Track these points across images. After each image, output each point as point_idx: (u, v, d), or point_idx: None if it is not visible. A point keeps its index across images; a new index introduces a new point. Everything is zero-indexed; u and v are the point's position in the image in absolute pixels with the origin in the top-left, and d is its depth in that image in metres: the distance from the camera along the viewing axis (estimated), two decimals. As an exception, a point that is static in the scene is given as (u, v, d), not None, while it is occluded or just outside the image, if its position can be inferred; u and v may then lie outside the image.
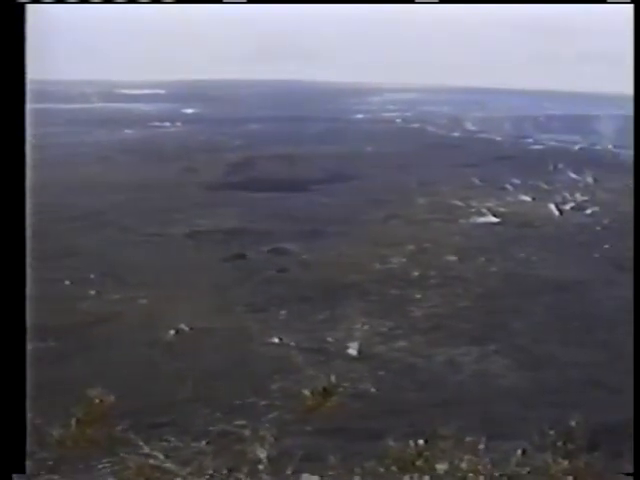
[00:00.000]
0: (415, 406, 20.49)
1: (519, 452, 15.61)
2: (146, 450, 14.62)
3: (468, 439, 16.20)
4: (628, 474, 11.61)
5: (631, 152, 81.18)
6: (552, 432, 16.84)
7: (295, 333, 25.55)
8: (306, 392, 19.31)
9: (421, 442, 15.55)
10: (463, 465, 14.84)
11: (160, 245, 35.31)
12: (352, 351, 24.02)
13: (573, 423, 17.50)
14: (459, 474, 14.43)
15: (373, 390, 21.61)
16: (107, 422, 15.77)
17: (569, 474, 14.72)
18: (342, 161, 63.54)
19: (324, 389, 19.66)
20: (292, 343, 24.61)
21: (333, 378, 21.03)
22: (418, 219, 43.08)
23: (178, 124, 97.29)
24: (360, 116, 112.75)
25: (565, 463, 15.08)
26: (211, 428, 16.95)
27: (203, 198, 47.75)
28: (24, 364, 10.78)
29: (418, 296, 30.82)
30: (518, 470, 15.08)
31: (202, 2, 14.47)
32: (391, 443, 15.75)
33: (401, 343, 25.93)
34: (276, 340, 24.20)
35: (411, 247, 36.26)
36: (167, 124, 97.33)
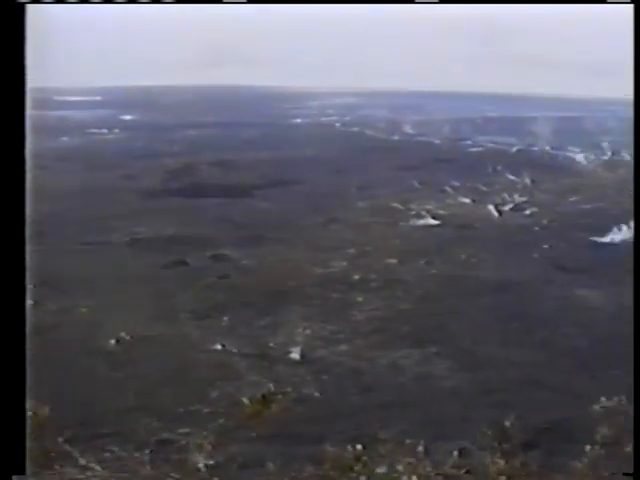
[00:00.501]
0: (358, 409, 20.54)
1: (455, 453, 15.71)
2: (82, 462, 14.41)
3: (408, 441, 16.27)
4: (628, 474, 11.66)
5: (567, 153, 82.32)
6: (491, 432, 17.00)
7: (237, 339, 25.49)
8: (248, 398, 19.25)
9: (360, 446, 15.54)
10: (400, 467, 14.89)
11: (100, 253, 35.00)
12: (295, 356, 24.02)
13: (512, 423, 17.67)
14: (397, 476, 14.47)
15: (316, 394, 21.63)
16: (42, 435, 15.50)
17: (504, 474, 14.84)
18: (282, 166, 63.51)
19: (263, 396, 19.63)
20: (234, 349, 24.55)
21: (273, 384, 20.98)
22: (358, 223, 43.23)
23: (116, 131, 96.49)
24: (299, 120, 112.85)
25: (502, 463, 15.22)
26: (154, 437, 16.83)
27: (142, 205, 47.43)
28: (24, 365, 10.67)
29: (359, 299, 30.92)
30: (454, 471, 15.17)
31: (202, 2, 14.46)
32: (331, 448, 15.74)
33: (343, 347, 25.98)
34: (219, 347, 24.12)
35: (351, 251, 36.38)
36: (105, 131, 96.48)
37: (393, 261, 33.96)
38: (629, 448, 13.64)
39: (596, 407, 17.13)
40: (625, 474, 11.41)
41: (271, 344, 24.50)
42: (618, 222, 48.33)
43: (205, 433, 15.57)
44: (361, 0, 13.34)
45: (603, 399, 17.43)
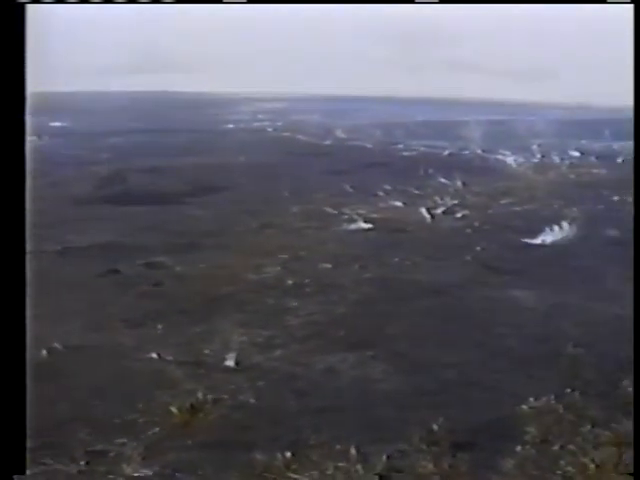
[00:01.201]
0: (294, 415, 20.56)
1: (387, 456, 15.84)
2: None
3: (342, 446, 16.34)
4: (628, 474, 11.75)
5: (498, 156, 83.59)
6: (426, 434, 17.16)
7: (173, 347, 25.36)
8: (184, 407, 19.19)
9: (291, 453, 15.59)
10: (331, 472, 14.94)
11: (31, 263, 34.42)
12: (230, 363, 23.91)
13: (447, 424, 17.85)
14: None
15: (252, 401, 21.60)
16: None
17: (437, 474, 15.00)
18: (214, 172, 63.33)
19: (198, 404, 19.57)
20: (170, 357, 24.41)
21: (209, 392, 20.96)
22: (292, 228, 43.26)
23: (45, 138, 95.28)
24: (231, 126, 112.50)
25: (435, 463, 15.37)
26: (89, 449, 16.67)
27: (73, 213, 46.93)
28: (24, 366, 10.57)
29: (294, 305, 30.94)
30: (386, 474, 15.29)
31: (202, 2, 14.29)
32: (263, 456, 15.76)
33: (279, 352, 25.98)
34: (154, 355, 23.95)
35: (285, 256, 36.40)
36: (34, 138, 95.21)
37: (327, 265, 34.05)
38: (556, 447, 13.87)
39: (528, 406, 17.41)
40: (625, 474, 11.54)
41: (206, 351, 24.40)
42: (549, 224, 48.97)
43: (140, 443, 15.45)
44: (361, 0, 13.42)
45: (532, 399, 17.72)
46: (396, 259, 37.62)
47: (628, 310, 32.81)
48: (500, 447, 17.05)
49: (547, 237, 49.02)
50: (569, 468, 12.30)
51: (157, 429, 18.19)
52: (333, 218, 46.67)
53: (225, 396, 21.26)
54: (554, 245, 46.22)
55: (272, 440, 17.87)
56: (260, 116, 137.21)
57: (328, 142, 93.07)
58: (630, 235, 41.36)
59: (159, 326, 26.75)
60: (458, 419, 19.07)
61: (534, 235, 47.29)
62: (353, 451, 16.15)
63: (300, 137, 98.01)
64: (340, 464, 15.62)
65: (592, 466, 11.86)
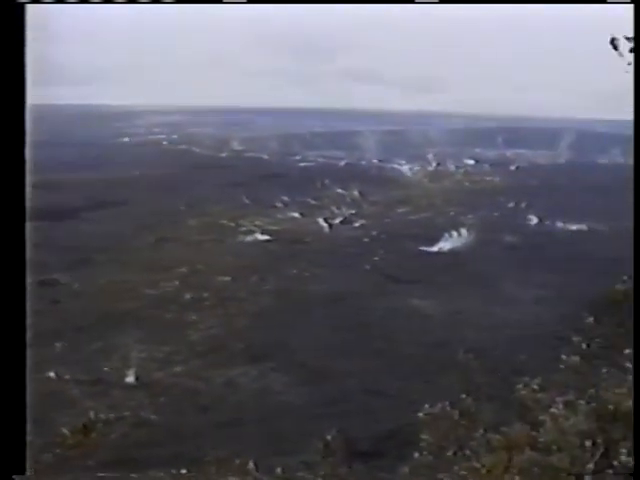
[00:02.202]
0: (196, 430, 20.28)
1: (279, 470, 15.70)
2: None
3: (241, 460, 16.16)
4: (628, 474, 11.72)
5: (394, 165, 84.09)
6: (328, 443, 17.06)
7: (71, 365, 24.82)
8: (83, 426, 18.72)
9: (192, 468, 15.35)
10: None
11: None
12: (130, 379, 23.55)
13: (349, 433, 17.79)
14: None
15: (154, 417, 21.27)
16: None
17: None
18: (109, 186, 62.36)
19: (90, 424, 19.16)
20: (68, 376, 23.87)
21: (110, 410, 20.51)
22: (189, 241, 42.91)
23: None
24: (126, 139, 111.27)
25: (331, 475, 15.28)
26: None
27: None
28: (24, 366, 10.21)
29: (193, 319, 30.64)
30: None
31: (202, 2, 13.91)
32: (161, 473, 15.49)
33: (180, 368, 25.67)
34: (52, 374, 23.38)
35: (184, 270, 36.01)
36: None
37: (226, 278, 33.82)
38: (451, 452, 13.91)
39: (426, 413, 17.38)
40: (626, 474, 11.56)
41: (106, 369, 23.93)
42: (445, 231, 49.69)
43: (39, 464, 15.01)
44: (361, 0, 13.24)
45: (430, 406, 17.70)
46: (295, 270, 37.63)
47: (526, 315, 33.42)
48: (400, 454, 17.06)
49: (444, 244, 49.71)
50: (463, 472, 12.39)
51: (57, 450, 17.71)
52: (231, 230, 46.51)
53: (126, 413, 20.88)
54: (451, 252, 46.84)
55: (173, 457, 17.58)
56: (156, 129, 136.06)
57: (224, 154, 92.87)
58: (525, 240, 42.34)
59: (57, 344, 26.18)
60: (359, 428, 19.11)
61: (431, 243, 47.89)
62: (251, 465, 15.98)
63: (196, 150, 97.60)
64: (237, 478, 15.43)
65: (484, 471, 11.97)
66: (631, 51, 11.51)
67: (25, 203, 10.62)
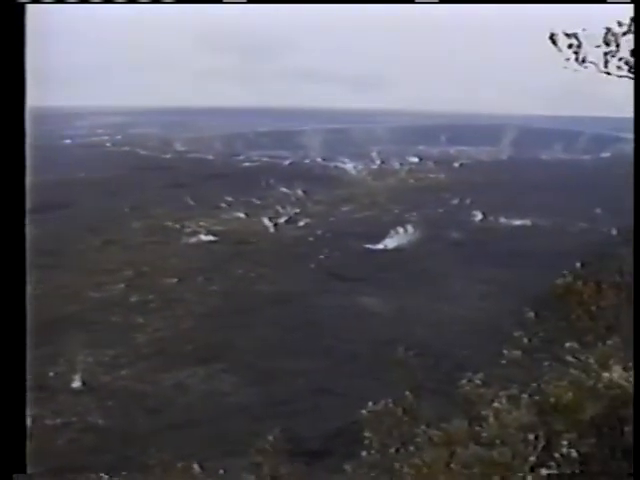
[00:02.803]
0: (144, 434, 20.21)
1: (221, 471, 15.73)
2: None
3: (186, 463, 16.15)
4: (628, 474, 11.80)
5: (338, 164, 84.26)
6: (275, 444, 17.09)
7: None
8: (29, 433, 18.47)
9: (138, 472, 15.31)
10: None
11: None
12: (77, 384, 23.37)
13: (297, 432, 17.86)
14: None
15: (101, 422, 21.15)
16: None
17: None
18: (51, 189, 61.68)
19: (46, 429, 19.00)
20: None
21: (56, 416, 20.39)
22: (134, 243, 42.66)
23: None
24: (68, 141, 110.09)
25: (284, 471, 15.33)
26: None
27: None
28: (24, 366, 10.16)
29: (140, 321, 30.50)
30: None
31: (202, 2, 13.76)
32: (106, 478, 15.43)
33: (127, 371, 25.54)
34: (-7, 382, 22.97)
35: (129, 272, 35.80)
36: None
37: (172, 280, 33.69)
38: (392, 450, 14.05)
39: (371, 410, 17.50)
40: (626, 474, 11.68)
41: (51, 374, 23.74)
42: (390, 229, 49.95)
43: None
44: (361, 0, 13.23)
45: (375, 404, 17.81)
46: (241, 270, 37.59)
47: (471, 310, 33.73)
48: (348, 452, 17.16)
49: (389, 242, 49.97)
50: (405, 469, 12.55)
51: None
52: (176, 232, 46.31)
53: (73, 419, 20.72)
54: (397, 250, 47.10)
55: (121, 461, 17.48)
56: (99, 130, 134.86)
57: (168, 155, 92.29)
58: (469, 236, 42.63)
59: None
60: (308, 427, 19.15)
61: (376, 241, 48.10)
62: (196, 467, 15.98)
63: (140, 151, 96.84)
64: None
65: (425, 467, 12.14)
66: (570, 47, 11.74)
67: (25, 203, 10.70)
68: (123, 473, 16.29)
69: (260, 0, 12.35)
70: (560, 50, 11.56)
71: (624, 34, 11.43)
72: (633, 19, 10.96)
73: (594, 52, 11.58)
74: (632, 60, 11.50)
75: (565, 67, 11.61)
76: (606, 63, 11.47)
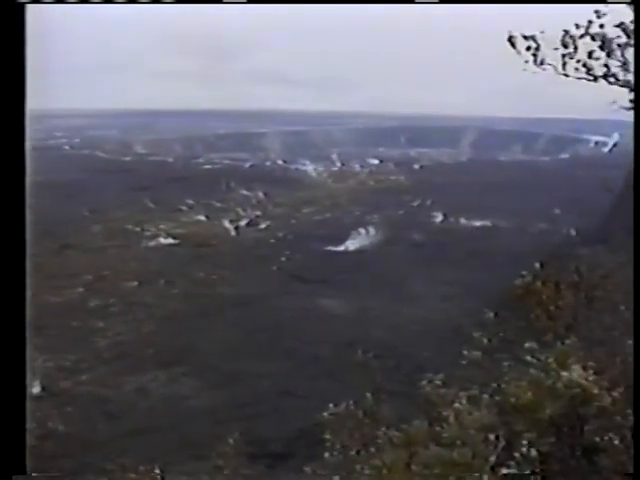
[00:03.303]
0: (106, 439, 20.07)
1: (183, 478, 15.68)
2: None
3: (147, 467, 16.04)
4: (628, 474, 11.81)
5: (298, 166, 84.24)
6: (238, 447, 17.06)
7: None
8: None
9: (97, 477, 15.18)
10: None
11: None
12: (36, 390, 23.16)
13: (260, 434, 17.84)
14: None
15: (62, 428, 20.98)
16: None
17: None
18: (10, 193, 60.91)
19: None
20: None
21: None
22: (94, 247, 42.35)
23: None
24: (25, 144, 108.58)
25: (247, 473, 15.30)
26: None
27: None
28: (24, 366, 10.09)
29: (101, 325, 30.29)
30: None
31: (202, 2, 13.66)
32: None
33: (87, 376, 25.36)
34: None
35: (89, 276, 35.53)
36: None
37: (133, 284, 33.49)
38: (353, 452, 14.08)
39: (333, 412, 17.51)
40: (625, 474, 11.71)
41: (9, 380, 23.31)
42: (351, 231, 50.05)
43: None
44: (361, 0, 13.19)
45: (336, 406, 17.84)
46: (202, 273, 37.47)
47: (432, 312, 33.84)
48: (309, 454, 17.15)
49: (350, 244, 50.06)
50: (366, 471, 12.60)
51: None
52: (136, 235, 46.06)
53: (33, 425, 20.49)
54: (358, 251, 47.18)
55: (81, 468, 17.34)
56: (57, 133, 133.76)
57: (128, 158, 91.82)
58: (430, 237, 42.77)
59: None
60: (271, 429, 19.12)
61: (338, 243, 48.16)
62: (157, 471, 15.88)
63: (99, 154, 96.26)
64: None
65: (385, 468, 12.20)
66: (528, 49, 11.84)
67: (25, 203, 10.75)
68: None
69: (260, 0, 12.39)
70: (519, 52, 11.66)
71: (581, 36, 11.56)
72: (633, 19, 11.09)
73: (552, 54, 11.70)
74: (589, 62, 11.64)
75: (524, 69, 11.72)
76: (564, 65, 11.59)
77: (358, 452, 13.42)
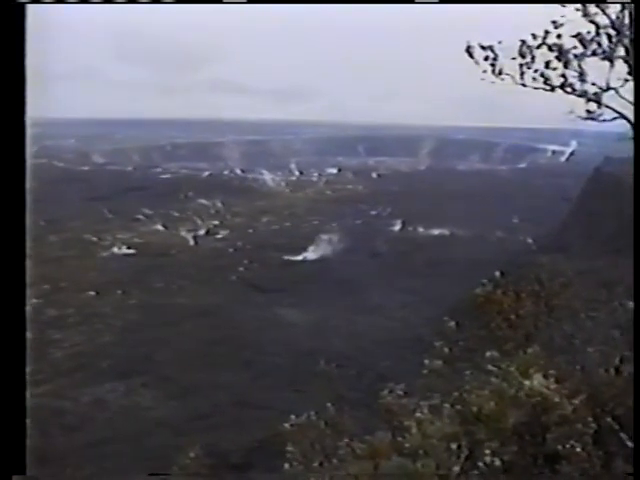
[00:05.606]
0: (62, 452, 19.82)
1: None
2: None
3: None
4: (628, 474, 11.73)
5: (257, 175, 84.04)
6: (196, 458, 16.93)
7: None
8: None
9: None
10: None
11: None
12: (-10, 403, 22.88)
13: (218, 446, 17.71)
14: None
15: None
16: None
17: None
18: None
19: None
20: None
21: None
22: (51, 257, 41.93)
23: None
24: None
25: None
26: None
27: None
28: (24, 366, 9.91)
29: (57, 337, 29.97)
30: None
31: (202, 2, 13.48)
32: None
33: (44, 387, 25.06)
34: None
35: (46, 287, 35.15)
36: None
37: (90, 294, 33.17)
38: (316, 463, 14.02)
39: (293, 423, 17.46)
40: (625, 474, 11.64)
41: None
42: (309, 240, 50.00)
43: None
44: (361, 0, 13.08)
45: (297, 416, 17.79)
46: (160, 283, 37.23)
47: (392, 321, 33.86)
48: (269, 465, 17.06)
49: (309, 254, 50.02)
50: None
51: None
52: (93, 245, 45.70)
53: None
54: (316, 261, 47.15)
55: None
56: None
57: (86, 167, 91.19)
58: (389, 247, 42.84)
59: None
60: (230, 440, 19.00)
61: (296, 252, 48.09)
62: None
63: (56, 163, 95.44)
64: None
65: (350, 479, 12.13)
66: (486, 59, 11.86)
67: (25, 203, 10.59)
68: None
69: (260, 0, 12.37)
70: (477, 62, 11.67)
71: (538, 47, 11.59)
72: (633, 19, 11.12)
73: (510, 64, 11.72)
74: (547, 72, 11.68)
75: (482, 79, 11.72)
76: (522, 75, 11.62)
77: (321, 464, 13.35)
